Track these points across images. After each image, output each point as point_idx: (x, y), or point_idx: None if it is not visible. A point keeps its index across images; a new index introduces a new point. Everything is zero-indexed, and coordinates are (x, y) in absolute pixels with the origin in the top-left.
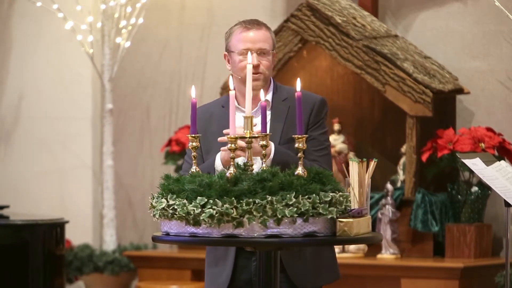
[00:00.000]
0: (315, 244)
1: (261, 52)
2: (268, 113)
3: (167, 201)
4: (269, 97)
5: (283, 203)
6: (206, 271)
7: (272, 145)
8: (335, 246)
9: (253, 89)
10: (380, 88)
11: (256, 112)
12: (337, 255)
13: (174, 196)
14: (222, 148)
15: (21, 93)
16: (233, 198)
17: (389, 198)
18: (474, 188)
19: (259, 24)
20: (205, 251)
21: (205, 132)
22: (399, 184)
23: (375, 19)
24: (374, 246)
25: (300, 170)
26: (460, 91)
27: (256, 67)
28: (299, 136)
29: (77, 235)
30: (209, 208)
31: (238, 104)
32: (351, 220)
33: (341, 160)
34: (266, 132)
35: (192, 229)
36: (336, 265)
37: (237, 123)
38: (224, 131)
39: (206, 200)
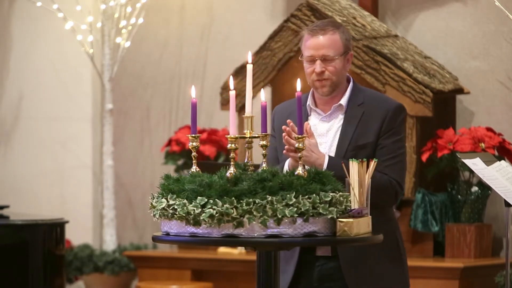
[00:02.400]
0: (315, 244)
1: (324, 59)
2: (342, 117)
3: (167, 201)
4: (343, 101)
5: (283, 203)
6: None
7: (326, 157)
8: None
9: (321, 95)
10: (380, 88)
11: (329, 116)
12: None
13: (174, 196)
14: (291, 155)
15: (21, 93)
16: (233, 198)
17: None
18: (474, 188)
19: (325, 29)
20: (205, 251)
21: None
22: None
23: (375, 19)
24: None
25: (300, 170)
26: (460, 91)
27: (319, 74)
28: (299, 136)
29: (77, 235)
30: (209, 208)
31: (316, 106)
32: (351, 220)
33: None
34: (266, 132)
35: (192, 229)
36: (404, 274)
37: (311, 124)
38: (283, 127)
39: (206, 200)
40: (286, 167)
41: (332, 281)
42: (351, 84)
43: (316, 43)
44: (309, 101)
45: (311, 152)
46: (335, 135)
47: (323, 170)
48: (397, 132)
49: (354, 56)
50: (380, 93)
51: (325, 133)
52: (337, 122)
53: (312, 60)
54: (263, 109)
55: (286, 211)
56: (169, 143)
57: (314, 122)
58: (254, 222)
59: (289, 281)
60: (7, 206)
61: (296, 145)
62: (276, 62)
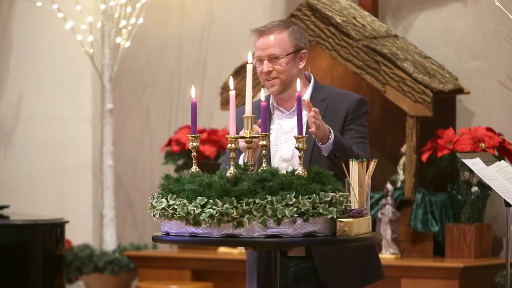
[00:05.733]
0: (315, 244)
1: (271, 58)
2: (305, 113)
3: (167, 201)
4: (307, 96)
5: (283, 203)
6: (247, 271)
7: (331, 130)
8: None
9: (271, 94)
10: (380, 88)
11: (293, 113)
12: None
13: (174, 196)
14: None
15: (21, 93)
16: (233, 198)
17: (389, 198)
18: (474, 188)
19: (271, 29)
20: (205, 251)
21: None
22: (399, 184)
23: (375, 19)
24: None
25: (300, 170)
26: (460, 91)
27: (267, 74)
28: (299, 136)
29: (77, 235)
30: (209, 208)
31: (278, 105)
32: (351, 220)
33: None
34: (266, 132)
35: (192, 229)
36: (379, 265)
37: (275, 122)
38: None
39: (206, 200)
40: (241, 159)
41: (307, 281)
42: (312, 81)
43: (262, 43)
44: (272, 100)
45: (322, 122)
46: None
47: (331, 138)
48: (362, 120)
49: (354, 56)
50: (341, 89)
51: (290, 129)
52: (303, 118)
53: (260, 60)
54: (263, 109)
55: (286, 211)
56: (169, 143)
57: (278, 120)
58: (254, 222)
59: None
60: (7, 206)
61: (296, 145)
62: None
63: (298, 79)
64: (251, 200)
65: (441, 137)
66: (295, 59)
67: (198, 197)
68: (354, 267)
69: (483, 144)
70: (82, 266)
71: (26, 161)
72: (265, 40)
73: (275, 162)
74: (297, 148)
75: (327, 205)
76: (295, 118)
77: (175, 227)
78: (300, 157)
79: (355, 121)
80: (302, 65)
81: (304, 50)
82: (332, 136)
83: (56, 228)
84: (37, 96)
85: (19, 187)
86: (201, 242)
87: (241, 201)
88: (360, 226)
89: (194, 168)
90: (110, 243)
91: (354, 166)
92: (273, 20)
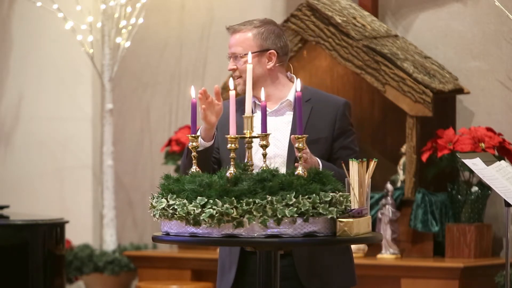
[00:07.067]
0: (315, 244)
1: (235, 57)
2: (290, 113)
3: (167, 201)
4: (291, 97)
5: (283, 203)
6: (219, 267)
7: (319, 161)
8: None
9: (239, 91)
10: (380, 88)
11: (276, 112)
12: None
13: (174, 196)
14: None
15: (21, 93)
16: (233, 198)
17: (389, 198)
18: (474, 188)
19: (239, 28)
20: (205, 251)
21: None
22: (399, 184)
23: (375, 19)
24: (374, 246)
25: (300, 170)
26: (460, 91)
27: (231, 71)
28: (299, 136)
29: (77, 235)
30: (209, 208)
31: (259, 101)
32: (351, 220)
33: None
34: (266, 132)
35: (192, 229)
36: (353, 271)
37: (257, 119)
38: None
39: (206, 200)
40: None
41: (285, 280)
42: (295, 81)
43: (230, 42)
44: (253, 98)
45: (311, 155)
46: (284, 131)
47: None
48: (352, 129)
49: (354, 56)
50: (325, 92)
51: (272, 129)
52: (285, 118)
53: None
54: (263, 109)
55: (286, 211)
56: (169, 143)
57: (261, 117)
58: (254, 222)
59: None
60: (7, 206)
61: (296, 145)
62: None
63: (298, 79)
64: (251, 200)
65: (441, 137)
66: (260, 59)
67: (198, 197)
68: (331, 269)
69: (483, 144)
70: (82, 266)
71: (26, 161)
72: (232, 38)
73: (256, 159)
74: (296, 148)
75: (327, 205)
76: (279, 117)
77: (175, 227)
78: (300, 157)
79: (347, 135)
80: (270, 65)
81: (272, 51)
82: (320, 168)
83: (56, 228)
84: (37, 96)
85: (19, 187)
86: (201, 242)
87: (241, 201)
88: (360, 226)
89: (194, 168)
90: (110, 243)
91: (354, 166)
92: (254, 19)
